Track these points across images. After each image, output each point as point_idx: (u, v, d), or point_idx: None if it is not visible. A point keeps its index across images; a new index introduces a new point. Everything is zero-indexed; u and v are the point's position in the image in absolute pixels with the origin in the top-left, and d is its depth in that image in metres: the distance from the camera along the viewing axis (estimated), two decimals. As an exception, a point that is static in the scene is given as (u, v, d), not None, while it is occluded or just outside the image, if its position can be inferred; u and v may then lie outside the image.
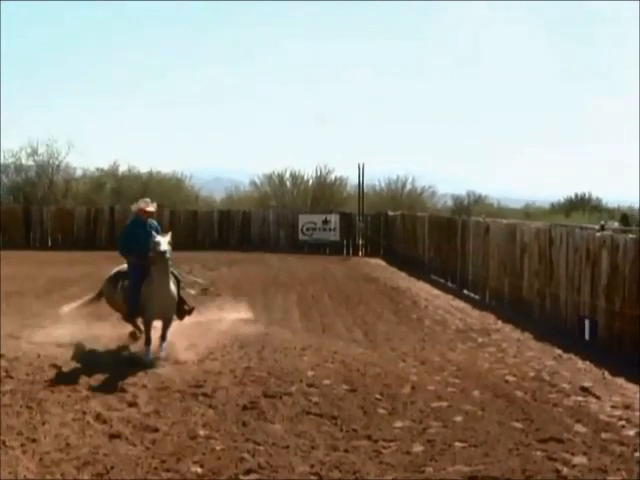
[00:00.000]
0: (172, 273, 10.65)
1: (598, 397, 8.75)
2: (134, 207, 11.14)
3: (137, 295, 10.48)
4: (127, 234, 10.82)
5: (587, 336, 12.22)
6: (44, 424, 7.35)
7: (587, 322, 12.17)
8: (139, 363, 9.85)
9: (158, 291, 10.38)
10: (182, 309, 10.91)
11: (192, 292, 12.51)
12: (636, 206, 49.13)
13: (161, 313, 10.54)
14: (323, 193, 44.52)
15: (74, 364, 9.72)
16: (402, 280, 21.79)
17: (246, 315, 12.78)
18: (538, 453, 6.78)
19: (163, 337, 10.51)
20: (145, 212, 10.85)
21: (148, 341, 10.37)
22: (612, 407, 8.40)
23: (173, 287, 10.58)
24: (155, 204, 11.08)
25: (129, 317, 10.99)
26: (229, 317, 12.45)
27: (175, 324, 10.85)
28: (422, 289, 19.63)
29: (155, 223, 10.94)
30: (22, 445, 6.71)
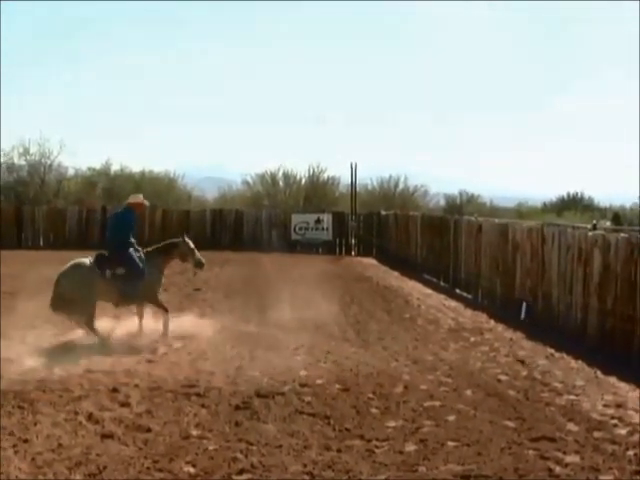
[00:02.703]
0: None
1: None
2: (131, 199, 11.98)
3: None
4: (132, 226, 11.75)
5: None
6: (36, 424, 7.33)
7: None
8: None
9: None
10: None
11: None
12: (628, 205, 49.39)
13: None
14: (316, 192, 44.57)
15: (66, 363, 9.68)
16: (394, 279, 21.81)
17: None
18: (530, 452, 6.79)
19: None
20: (143, 206, 12.02)
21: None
22: (604, 406, 8.42)
23: None
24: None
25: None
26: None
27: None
28: (414, 288, 19.64)
29: None
30: (14, 445, 6.68)
